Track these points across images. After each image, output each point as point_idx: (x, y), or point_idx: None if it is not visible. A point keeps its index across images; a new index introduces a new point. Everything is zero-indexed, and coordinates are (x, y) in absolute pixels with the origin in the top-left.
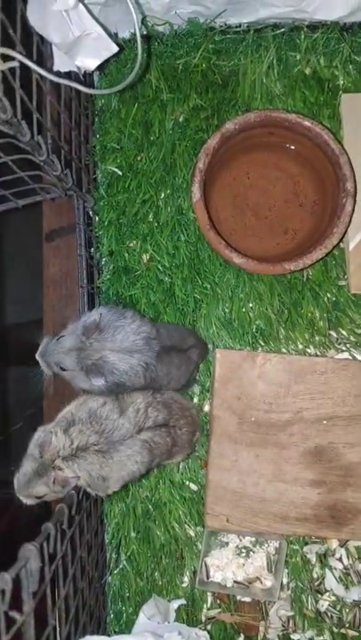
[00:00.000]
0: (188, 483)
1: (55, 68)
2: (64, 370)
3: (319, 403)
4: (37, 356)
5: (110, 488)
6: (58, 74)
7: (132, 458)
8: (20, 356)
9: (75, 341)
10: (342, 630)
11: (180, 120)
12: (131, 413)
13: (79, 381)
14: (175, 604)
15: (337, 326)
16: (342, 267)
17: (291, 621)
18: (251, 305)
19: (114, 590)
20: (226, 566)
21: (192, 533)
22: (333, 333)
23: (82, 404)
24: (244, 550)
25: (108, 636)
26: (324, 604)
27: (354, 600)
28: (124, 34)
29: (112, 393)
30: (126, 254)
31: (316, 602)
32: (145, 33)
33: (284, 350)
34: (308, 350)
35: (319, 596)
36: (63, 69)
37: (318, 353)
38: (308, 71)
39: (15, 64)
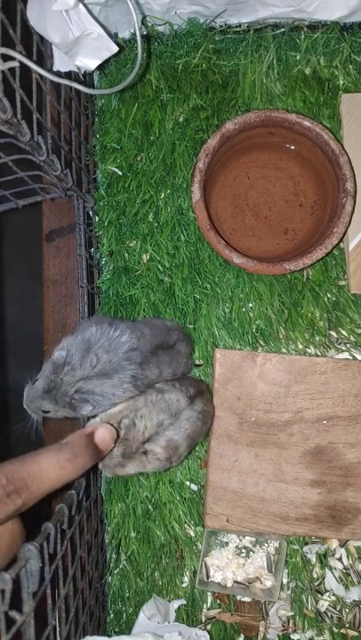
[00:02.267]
0: (188, 483)
1: (55, 68)
2: (47, 412)
3: (319, 403)
4: (24, 405)
5: (183, 454)
6: (58, 74)
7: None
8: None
9: (45, 383)
10: (342, 630)
11: (180, 120)
12: (176, 387)
13: (70, 415)
14: (175, 604)
15: (337, 326)
16: (342, 267)
17: (291, 621)
18: (251, 305)
19: (114, 590)
20: (226, 566)
21: (192, 533)
22: (333, 333)
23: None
24: (244, 550)
25: (108, 636)
26: (324, 604)
27: (354, 600)
28: (124, 34)
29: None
30: (126, 254)
31: (317, 602)
32: (145, 33)
33: (284, 350)
34: (309, 350)
35: (319, 595)
36: (63, 69)
37: (318, 353)
38: (308, 71)
39: (15, 64)
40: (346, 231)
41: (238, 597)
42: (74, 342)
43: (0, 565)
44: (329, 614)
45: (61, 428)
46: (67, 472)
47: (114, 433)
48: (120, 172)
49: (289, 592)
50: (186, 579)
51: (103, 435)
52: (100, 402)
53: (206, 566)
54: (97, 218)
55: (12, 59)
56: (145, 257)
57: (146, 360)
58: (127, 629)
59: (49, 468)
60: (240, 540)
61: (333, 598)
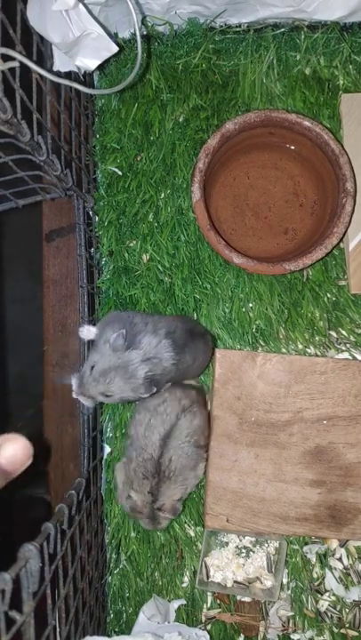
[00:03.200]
0: None
1: (55, 68)
2: (109, 396)
3: (319, 403)
4: (76, 395)
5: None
6: (58, 74)
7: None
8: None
9: (111, 361)
10: (342, 630)
11: (180, 120)
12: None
13: (125, 397)
14: (175, 604)
15: (337, 326)
16: (342, 267)
17: (291, 621)
18: (251, 305)
19: (114, 590)
20: (226, 566)
21: (192, 533)
22: (333, 333)
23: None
24: (244, 550)
25: (108, 636)
26: (324, 604)
27: (354, 600)
28: (124, 34)
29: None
30: (126, 254)
31: (317, 602)
32: (145, 33)
33: (284, 350)
34: (308, 350)
35: (319, 595)
36: (63, 69)
37: (318, 353)
38: (308, 71)
39: (15, 64)
40: (346, 231)
41: (238, 597)
42: (123, 322)
43: None
44: (329, 614)
45: (63, 391)
46: None
47: (29, 449)
48: (120, 172)
49: (289, 592)
50: (186, 579)
51: (13, 454)
52: (158, 382)
53: (206, 566)
54: (97, 218)
55: (12, 59)
56: (145, 257)
57: (186, 344)
58: (127, 629)
59: None
60: (240, 540)
61: (333, 598)
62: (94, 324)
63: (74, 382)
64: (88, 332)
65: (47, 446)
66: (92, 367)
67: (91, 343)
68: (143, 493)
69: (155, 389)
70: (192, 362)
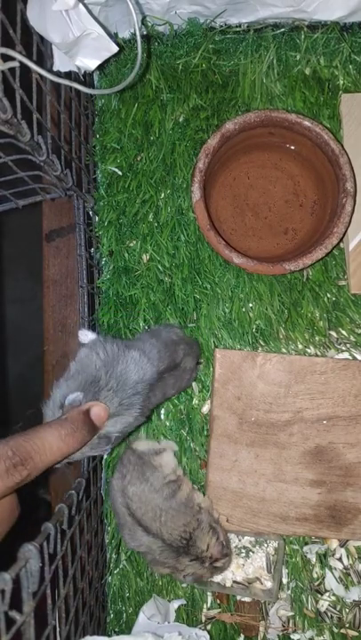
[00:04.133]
0: None
1: (55, 68)
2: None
3: (319, 403)
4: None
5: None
6: (58, 74)
7: None
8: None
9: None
10: (342, 630)
11: (180, 120)
12: None
13: (89, 454)
14: (175, 604)
15: (337, 326)
16: (342, 267)
17: (291, 621)
18: (251, 305)
19: (114, 590)
20: None
21: None
22: (333, 333)
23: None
24: (243, 550)
25: (108, 636)
26: (324, 604)
27: (354, 600)
28: (124, 34)
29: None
30: (126, 254)
31: (316, 602)
32: (145, 33)
33: (284, 350)
34: (308, 350)
35: (319, 595)
36: (63, 69)
37: (318, 353)
38: (308, 71)
39: (15, 64)
40: (346, 231)
41: (238, 597)
42: (81, 383)
43: (2, 531)
44: (329, 614)
45: None
46: (68, 445)
47: (107, 410)
48: (120, 172)
49: (289, 592)
50: (182, 577)
51: (98, 411)
52: (117, 438)
53: None
54: (97, 218)
55: (12, 59)
56: (145, 257)
57: (152, 388)
58: (127, 629)
59: (52, 442)
60: (239, 540)
61: (333, 598)
62: (94, 326)
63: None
64: (86, 336)
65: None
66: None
67: None
68: (183, 563)
69: (109, 448)
70: (161, 397)
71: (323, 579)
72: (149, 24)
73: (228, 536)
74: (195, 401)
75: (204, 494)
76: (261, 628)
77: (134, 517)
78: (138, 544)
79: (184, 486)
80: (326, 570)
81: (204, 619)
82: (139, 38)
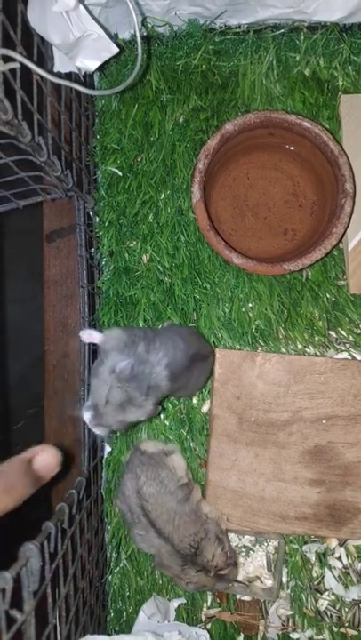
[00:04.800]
0: None
1: (56, 69)
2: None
3: (319, 402)
4: (93, 426)
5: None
6: (58, 75)
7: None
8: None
9: (122, 394)
10: (342, 629)
11: (180, 121)
12: None
13: (137, 420)
14: (175, 603)
15: (336, 326)
16: (342, 267)
17: (290, 620)
18: (250, 305)
19: (114, 589)
20: None
21: None
22: (333, 333)
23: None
24: (243, 550)
25: (109, 634)
26: (323, 603)
27: (353, 599)
28: (125, 35)
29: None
30: (126, 254)
31: (316, 601)
32: (145, 34)
33: (283, 350)
34: (308, 350)
35: (319, 595)
36: (63, 70)
37: (318, 353)
38: (307, 72)
39: (16, 65)
40: (345, 232)
41: (238, 596)
42: (132, 354)
43: None
44: (328, 613)
45: (63, 391)
46: (2, 504)
47: (58, 457)
48: (120, 173)
49: (288, 591)
50: (184, 584)
51: (45, 460)
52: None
53: None
54: (97, 218)
55: (13, 60)
56: (145, 257)
57: (179, 374)
58: (127, 628)
59: None
60: (240, 540)
61: (333, 597)
62: (95, 326)
63: (88, 414)
64: (90, 336)
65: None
66: (106, 400)
67: (90, 346)
68: (189, 573)
69: (160, 408)
70: (186, 383)
71: (322, 578)
72: (149, 25)
73: (233, 549)
74: (194, 400)
75: (203, 495)
76: (261, 627)
77: (149, 518)
78: (149, 545)
79: (195, 492)
80: (326, 569)
81: (203, 618)
82: (139, 39)
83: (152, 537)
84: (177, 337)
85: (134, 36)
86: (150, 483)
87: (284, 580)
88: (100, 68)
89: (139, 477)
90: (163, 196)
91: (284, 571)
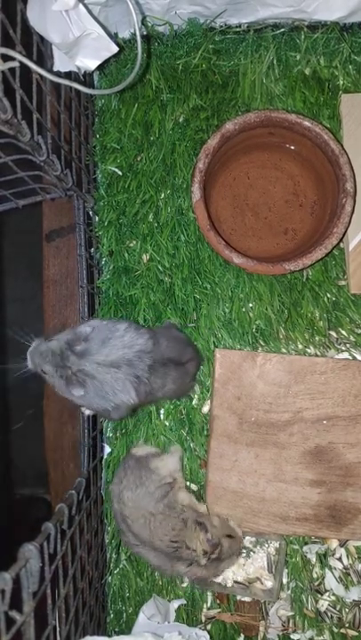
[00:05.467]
0: (188, 483)
1: (55, 69)
2: (45, 373)
3: (319, 403)
4: (27, 353)
5: None
6: (58, 74)
7: None
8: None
9: (57, 348)
10: (342, 630)
11: (180, 120)
12: None
13: (60, 390)
14: (175, 604)
15: (337, 326)
16: (342, 267)
17: (291, 621)
18: (251, 305)
19: (114, 590)
20: None
21: None
22: (333, 333)
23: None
24: (244, 550)
25: (108, 636)
26: (324, 604)
27: (354, 600)
28: (124, 34)
29: (95, 407)
30: (126, 254)
31: (316, 602)
32: (145, 33)
33: (284, 350)
34: (308, 350)
35: (319, 595)
36: (63, 69)
37: (318, 353)
38: (308, 71)
39: (15, 64)
40: (346, 231)
41: (238, 597)
42: (101, 325)
43: None
44: (329, 614)
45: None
46: None
47: None
48: (120, 172)
49: (289, 592)
50: (186, 579)
51: None
52: (94, 391)
53: None
54: (97, 218)
55: (13, 59)
56: (145, 257)
57: (155, 367)
58: (127, 629)
59: None
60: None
61: (333, 598)
62: None
63: (32, 343)
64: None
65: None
66: (50, 340)
67: None
68: (181, 570)
69: (81, 392)
70: (159, 386)
71: (323, 578)
72: (149, 24)
73: (225, 520)
74: (195, 401)
75: (203, 495)
76: (261, 628)
77: (127, 524)
78: (136, 550)
79: (175, 488)
80: (326, 570)
81: (204, 618)
82: (139, 38)
83: (133, 542)
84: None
85: (134, 35)
86: (130, 487)
87: (285, 580)
88: (100, 68)
89: (120, 482)
90: (163, 195)
91: (285, 571)
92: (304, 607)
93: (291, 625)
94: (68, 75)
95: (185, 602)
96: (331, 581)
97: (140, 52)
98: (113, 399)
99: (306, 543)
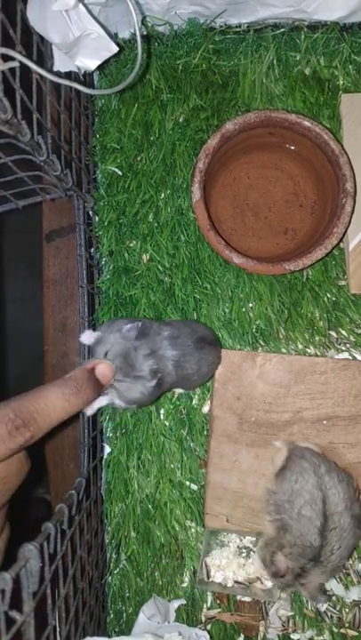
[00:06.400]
0: (188, 482)
1: (55, 69)
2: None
3: (319, 403)
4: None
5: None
6: (58, 74)
7: None
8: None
9: (124, 345)
10: (342, 630)
11: (180, 120)
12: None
13: (132, 391)
14: (175, 604)
15: (337, 326)
16: (342, 267)
17: (291, 621)
18: (251, 305)
19: (114, 590)
20: (226, 566)
21: (192, 533)
22: (333, 333)
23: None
24: (244, 550)
25: (108, 636)
26: (323, 604)
27: (354, 600)
28: (124, 34)
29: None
30: (126, 254)
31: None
32: (145, 33)
33: (284, 350)
34: (308, 350)
35: None
36: (63, 69)
37: (318, 353)
38: (308, 71)
39: (15, 64)
40: (346, 231)
41: (238, 597)
42: (139, 328)
43: (13, 487)
44: (329, 614)
45: None
46: (72, 405)
47: (113, 368)
48: (120, 172)
49: (289, 592)
50: (186, 579)
51: (103, 369)
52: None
53: (207, 566)
54: (97, 218)
55: (12, 59)
56: (145, 257)
57: (190, 350)
58: (127, 629)
59: (55, 402)
60: (240, 540)
61: (333, 598)
62: (94, 326)
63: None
64: (90, 336)
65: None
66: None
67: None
68: (294, 566)
69: (158, 382)
70: (195, 370)
71: None
72: (149, 24)
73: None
74: (195, 401)
75: (203, 495)
76: (261, 628)
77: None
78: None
79: None
80: None
81: (204, 618)
82: (139, 38)
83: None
84: (179, 324)
85: (134, 35)
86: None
87: None
88: (100, 68)
89: (318, 465)
90: (163, 195)
91: None
92: (304, 607)
93: (291, 625)
94: (68, 75)
95: (185, 602)
96: (331, 581)
97: (140, 52)
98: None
99: None
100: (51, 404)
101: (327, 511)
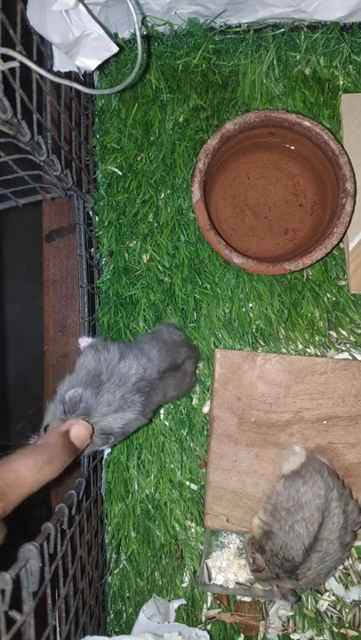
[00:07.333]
0: (187, 483)
1: (55, 69)
2: None
3: (319, 403)
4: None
5: None
6: (58, 74)
7: None
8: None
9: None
10: (342, 630)
11: (180, 120)
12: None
13: (90, 450)
14: (175, 604)
15: (337, 326)
16: (342, 267)
17: (291, 621)
18: (251, 305)
19: (114, 590)
20: (227, 568)
21: (192, 533)
22: (333, 333)
23: None
24: (244, 551)
25: (109, 636)
26: (323, 604)
27: (354, 600)
28: (124, 34)
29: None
30: (126, 254)
31: (316, 602)
32: (145, 33)
33: (284, 350)
34: (308, 350)
35: (319, 595)
36: (63, 69)
37: (318, 353)
38: (307, 71)
39: (15, 64)
40: (346, 231)
41: (238, 597)
42: (82, 378)
43: None
44: (329, 614)
45: None
46: (44, 475)
47: (90, 429)
48: (120, 173)
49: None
50: (186, 579)
51: (79, 431)
52: (118, 435)
53: (208, 568)
54: (97, 218)
55: (13, 59)
56: (145, 257)
57: (153, 387)
58: (127, 629)
59: (26, 474)
60: (240, 541)
61: (333, 598)
62: (94, 326)
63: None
64: (86, 343)
65: None
66: (46, 427)
67: None
68: (269, 569)
69: (111, 440)
70: (161, 398)
71: None
72: (149, 24)
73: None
74: (195, 401)
75: (203, 495)
76: (261, 628)
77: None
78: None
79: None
80: None
81: (204, 618)
82: (139, 38)
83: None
84: (150, 352)
85: (134, 35)
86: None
87: None
88: (100, 68)
89: (331, 489)
90: (163, 195)
91: None
92: (304, 607)
93: (291, 625)
94: (68, 75)
95: (185, 602)
96: (331, 581)
97: (140, 52)
98: (130, 430)
99: None
100: (22, 476)
101: (320, 535)
